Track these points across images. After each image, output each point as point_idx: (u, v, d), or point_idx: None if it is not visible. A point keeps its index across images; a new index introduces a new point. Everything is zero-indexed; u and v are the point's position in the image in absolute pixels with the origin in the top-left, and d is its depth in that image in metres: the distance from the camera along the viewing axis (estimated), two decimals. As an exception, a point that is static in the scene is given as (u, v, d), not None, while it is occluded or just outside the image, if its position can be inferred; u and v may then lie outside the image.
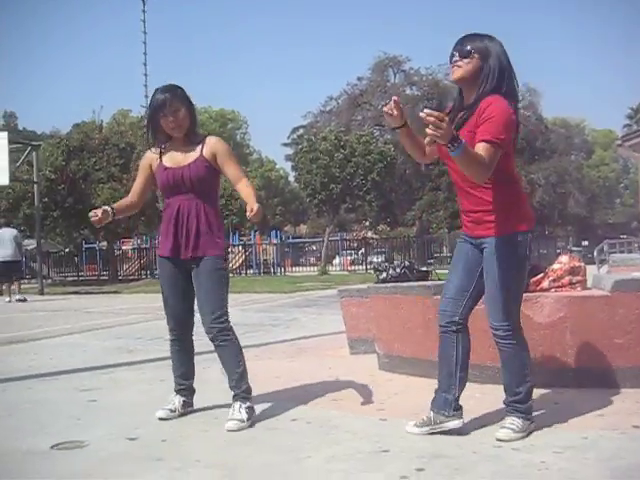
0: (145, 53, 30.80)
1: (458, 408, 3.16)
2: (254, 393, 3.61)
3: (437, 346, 3.27)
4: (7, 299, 14.94)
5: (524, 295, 4.04)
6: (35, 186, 20.35)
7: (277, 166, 56.96)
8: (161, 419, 3.60)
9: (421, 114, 2.66)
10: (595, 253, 17.70)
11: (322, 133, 31.01)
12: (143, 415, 3.73)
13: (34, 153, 20.20)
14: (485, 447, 2.91)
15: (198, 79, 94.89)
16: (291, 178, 47.32)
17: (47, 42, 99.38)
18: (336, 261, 33.53)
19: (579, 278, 4.23)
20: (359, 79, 41.92)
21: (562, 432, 3.09)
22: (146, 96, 27.34)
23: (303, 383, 4.48)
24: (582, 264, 4.31)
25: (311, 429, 3.36)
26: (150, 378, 4.88)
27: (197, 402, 3.90)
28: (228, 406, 3.55)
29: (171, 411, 3.66)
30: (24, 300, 14.98)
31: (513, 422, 3.06)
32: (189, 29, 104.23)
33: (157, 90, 3.58)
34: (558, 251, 36.00)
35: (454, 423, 3.13)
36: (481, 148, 2.85)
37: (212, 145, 3.60)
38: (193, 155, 3.58)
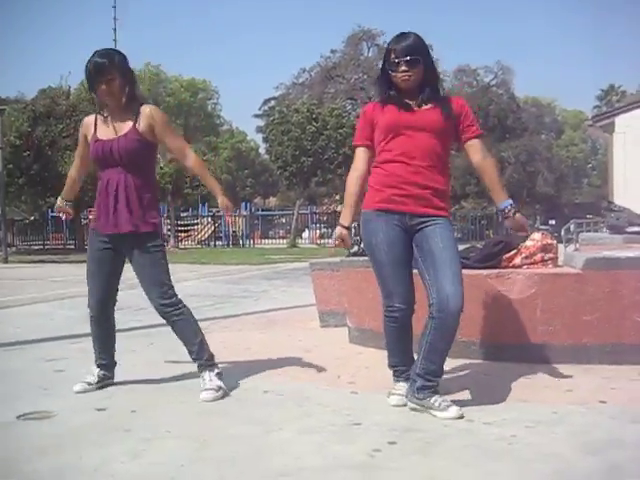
0: (115, 18, 30.20)
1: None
2: (225, 363, 3.57)
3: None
4: None
5: (497, 271, 4.11)
6: (-1, 152, 19.90)
7: (248, 137, 56.43)
8: (78, 392, 3.53)
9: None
10: (562, 232, 17.91)
11: (294, 105, 30.75)
12: (112, 385, 3.68)
13: (-2, 118, 19.72)
14: (456, 421, 2.92)
15: (169, 46, 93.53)
16: (262, 150, 46.94)
17: (14, 3, 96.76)
18: (305, 234, 33.48)
19: (551, 255, 4.25)
20: (332, 52, 41.58)
21: (532, 407, 3.11)
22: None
23: (274, 355, 4.47)
24: (554, 242, 4.34)
25: (282, 401, 3.34)
26: (119, 348, 4.80)
27: (167, 373, 3.87)
28: (197, 375, 3.52)
29: (89, 384, 3.60)
30: None
31: (445, 399, 3.05)
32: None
33: (94, 54, 3.42)
34: (526, 229, 36.40)
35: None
36: (480, 142, 3.20)
37: (147, 116, 3.45)
38: (125, 127, 3.45)
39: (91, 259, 3.58)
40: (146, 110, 3.47)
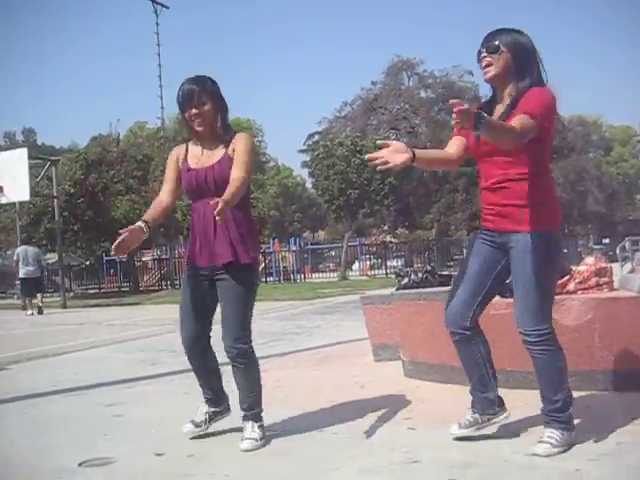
0: (160, 65, 30.90)
1: (501, 403, 3.18)
2: (280, 402, 3.56)
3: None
4: (29, 312, 15.40)
5: (550, 298, 4.02)
6: (55, 200, 20.53)
7: (294, 173, 57.05)
8: (186, 433, 3.48)
9: (451, 101, 2.57)
10: (617, 251, 17.48)
11: (338, 139, 31.00)
12: (169, 429, 3.71)
13: (53, 168, 20.37)
14: (517, 456, 2.86)
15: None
16: (308, 185, 47.33)
17: (63, 58, 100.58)
18: (355, 266, 33.46)
19: (606, 279, 4.16)
20: (373, 83, 41.88)
21: (595, 438, 3.01)
22: (162, 107, 27.47)
23: (329, 392, 4.45)
24: (608, 265, 4.25)
25: (339, 439, 3.32)
26: (174, 391, 4.87)
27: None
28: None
29: (196, 425, 3.50)
30: (41, 312, 15.42)
31: (552, 435, 2.88)
32: (203, 38, 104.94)
33: (185, 81, 3.35)
34: (579, 250, 35.68)
35: (503, 416, 3.16)
36: (517, 118, 2.78)
37: (236, 141, 3.34)
38: (218, 154, 3.34)
39: (185, 292, 3.45)
40: (238, 136, 3.39)
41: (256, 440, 3.26)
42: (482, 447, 3.02)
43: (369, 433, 3.38)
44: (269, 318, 11.04)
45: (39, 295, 15.94)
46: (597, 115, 56.81)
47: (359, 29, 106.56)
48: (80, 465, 3.13)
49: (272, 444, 3.31)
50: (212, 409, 3.55)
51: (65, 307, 18.36)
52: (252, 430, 3.30)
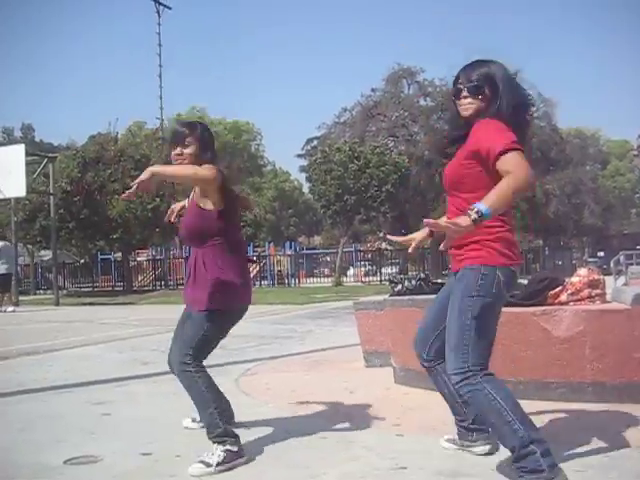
0: (160, 65, 30.98)
1: (479, 429, 3.02)
2: (270, 405, 3.53)
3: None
4: (10, 308, 15.63)
5: (543, 308, 4.03)
6: (51, 198, 20.52)
7: (291, 177, 57.03)
8: (186, 428, 3.60)
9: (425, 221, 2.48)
10: (612, 264, 17.54)
11: (336, 144, 30.98)
12: (157, 429, 3.70)
13: (50, 165, 20.37)
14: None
15: (213, 90, 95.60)
16: (305, 189, 47.31)
17: (63, 55, 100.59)
18: (350, 272, 33.44)
19: (598, 291, 4.16)
20: (373, 90, 41.84)
21: (583, 450, 3.01)
22: (161, 108, 27.54)
23: (319, 397, 4.44)
24: (601, 277, 4.25)
25: (327, 444, 3.31)
26: (165, 392, 4.85)
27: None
28: (242, 422, 3.50)
29: (193, 420, 3.61)
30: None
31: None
32: (204, 41, 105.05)
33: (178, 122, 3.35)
34: (574, 262, 35.77)
35: (481, 449, 3.02)
36: (503, 161, 2.50)
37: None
38: (191, 204, 3.34)
39: (180, 319, 3.48)
40: None
41: (207, 465, 2.95)
42: (470, 456, 3.01)
43: (357, 438, 3.37)
44: (262, 321, 11.01)
45: (7, 294, 15.97)
46: (595, 128, 57.04)
47: (361, 36, 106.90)
48: (65, 463, 3.12)
49: (260, 446, 3.29)
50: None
51: (58, 304, 18.32)
52: (211, 454, 3.01)
